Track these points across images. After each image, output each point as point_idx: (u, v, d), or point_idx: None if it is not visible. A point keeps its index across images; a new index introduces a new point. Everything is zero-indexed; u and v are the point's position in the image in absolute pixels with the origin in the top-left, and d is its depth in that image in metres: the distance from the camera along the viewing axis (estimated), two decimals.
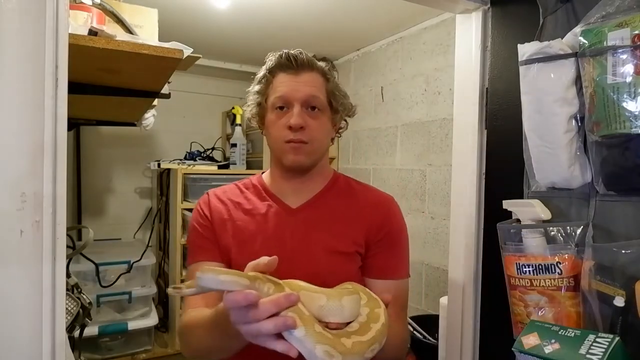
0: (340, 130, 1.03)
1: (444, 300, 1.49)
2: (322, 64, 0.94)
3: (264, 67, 0.95)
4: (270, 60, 0.93)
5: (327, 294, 0.61)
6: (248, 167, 2.81)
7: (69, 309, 1.25)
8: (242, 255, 0.87)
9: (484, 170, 1.23)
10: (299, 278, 0.70)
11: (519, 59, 0.98)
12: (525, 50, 0.97)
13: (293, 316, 0.55)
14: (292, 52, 0.91)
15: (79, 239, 2.55)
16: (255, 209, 0.95)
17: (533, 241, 0.94)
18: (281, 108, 0.89)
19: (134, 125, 1.92)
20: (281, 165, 0.93)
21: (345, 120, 1.02)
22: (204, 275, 0.57)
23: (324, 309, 0.60)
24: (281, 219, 0.92)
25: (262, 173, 1.03)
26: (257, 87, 0.95)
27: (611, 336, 0.73)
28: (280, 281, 0.61)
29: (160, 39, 1.01)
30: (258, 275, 0.59)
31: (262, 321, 0.55)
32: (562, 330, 0.78)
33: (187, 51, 0.95)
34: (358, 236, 0.92)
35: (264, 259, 0.64)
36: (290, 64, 0.90)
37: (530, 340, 0.78)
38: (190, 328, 0.83)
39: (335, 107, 0.95)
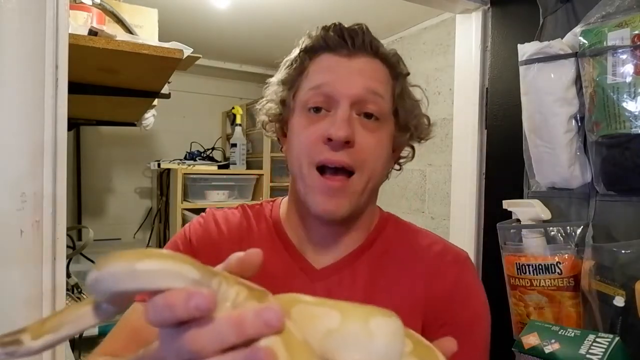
0: (402, 161, 0.68)
1: None
2: (391, 51, 0.63)
3: (296, 48, 0.63)
4: (309, 35, 0.61)
5: (343, 311, 0.31)
6: (248, 167, 2.81)
7: None
8: None
9: (484, 170, 1.23)
10: None
11: (519, 59, 0.98)
12: (525, 50, 0.97)
13: (269, 348, 0.25)
14: (348, 26, 0.60)
15: (79, 239, 2.55)
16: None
17: (533, 241, 0.94)
18: (317, 110, 0.57)
19: (134, 125, 1.92)
20: (304, 207, 0.59)
21: (412, 147, 0.68)
22: (105, 268, 0.28)
23: (334, 337, 0.29)
24: (297, 284, 0.58)
25: (280, 200, 0.69)
26: (281, 75, 0.62)
27: (611, 336, 0.73)
28: (263, 289, 0.31)
29: (160, 39, 1.01)
30: (222, 272, 0.30)
31: (211, 356, 0.25)
32: (562, 330, 0.78)
33: (187, 51, 0.95)
34: (412, 316, 0.56)
35: (237, 255, 0.33)
36: (343, 42, 0.58)
37: (530, 340, 0.78)
38: None
39: (404, 121, 0.62)
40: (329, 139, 0.53)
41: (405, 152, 0.67)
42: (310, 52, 0.60)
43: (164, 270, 0.27)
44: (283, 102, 0.61)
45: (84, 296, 1.32)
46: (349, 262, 0.61)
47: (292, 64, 0.61)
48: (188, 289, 0.25)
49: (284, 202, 0.68)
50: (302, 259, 0.61)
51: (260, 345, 0.25)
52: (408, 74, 0.64)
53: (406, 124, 0.62)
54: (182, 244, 0.63)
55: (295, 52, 0.62)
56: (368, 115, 0.57)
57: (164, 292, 0.26)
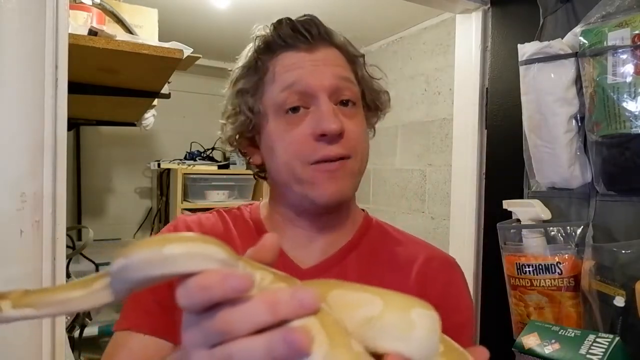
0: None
1: None
2: (342, 37, 0.61)
3: (247, 50, 0.61)
4: (261, 36, 0.59)
5: (385, 298, 0.30)
6: (248, 167, 2.81)
7: None
8: None
9: (484, 170, 1.23)
10: None
11: (519, 59, 0.98)
12: (526, 50, 0.97)
13: (306, 327, 0.24)
14: (298, 18, 0.58)
15: (79, 239, 2.55)
16: None
17: (533, 241, 0.94)
18: (294, 109, 0.55)
19: (134, 125, 1.92)
20: (299, 204, 0.58)
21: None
22: (132, 255, 0.26)
23: (374, 325, 0.28)
24: None
25: (259, 202, 0.67)
26: (241, 84, 0.60)
27: (611, 336, 0.73)
28: (287, 275, 0.29)
29: (160, 39, 1.01)
30: (250, 260, 0.29)
31: (241, 338, 0.24)
32: (562, 330, 0.78)
33: (187, 51, 0.95)
34: None
35: (270, 238, 0.31)
36: (301, 37, 0.56)
37: (530, 340, 0.78)
38: None
39: (371, 101, 0.62)
40: (322, 135, 0.53)
41: (371, 134, 0.67)
42: (268, 53, 0.58)
43: (192, 253, 0.26)
44: (251, 110, 0.58)
45: None
46: (337, 260, 0.59)
47: (249, 69, 0.59)
48: (223, 271, 0.25)
49: (263, 205, 0.66)
50: (287, 259, 0.58)
51: (295, 325, 0.24)
52: (363, 55, 0.63)
53: (373, 102, 0.63)
54: None
55: (249, 55, 0.60)
56: (344, 103, 0.56)
57: (196, 275, 0.25)
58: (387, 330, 0.28)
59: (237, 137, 0.61)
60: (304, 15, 0.59)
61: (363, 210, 0.68)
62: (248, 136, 0.60)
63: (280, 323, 0.24)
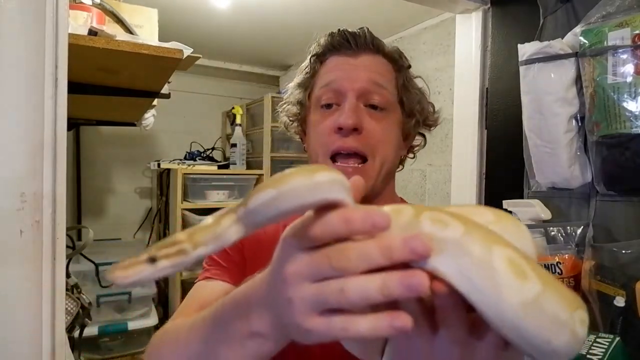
0: (415, 149, 0.73)
1: None
2: (393, 48, 0.69)
3: (309, 54, 0.70)
4: (318, 42, 0.68)
5: (494, 212, 0.34)
6: (248, 167, 2.81)
7: (69, 309, 1.24)
8: None
9: (484, 170, 1.23)
10: None
11: (519, 59, 0.98)
12: (526, 50, 0.97)
13: (423, 276, 0.26)
14: (350, 30, 0.67)
15: (79, 239, 2.54)
16: None
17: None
18: (328, 106, 0.63)
19: (134, 125, 1.92)
20: None
21: (423, 135, 0.73)
22: (285, 184, 0.27)
23: (495, 228, 0.30)
24: None
25: None
26: (298, 79, 0.70)
27: (611, 336, 0.73)
28: None
29: (160, 39, 1.01)
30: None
31: (355, 275, 0.26)
32: None
33: (187, 51, 0.95)
34: None
35: (356, 179, 0.34)
36: (346, 44, 0.64)
37: None
38: (169, 335, 0.50)
39: (409, 108, 0.67)
40: (340, 128, 0.59)
41: (417, 140, 0.72)
42: (319, 56, 0.67)
43: (338, 180, 0.29)
44: (300, 103, 0.68)
45: (83, 296, 1.31)
46: None
47: (305, 69, 0.69)
48: (365, 207, 0.27)
49: None
50: None
51: (416, 271, 0.26)
52: (409, 66, 0.70)
53: (411, 110, 0.67)
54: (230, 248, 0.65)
55: (307, 58, 0.69)
56: (374, 107, 0.62)
57: (341, 208, 0.28)
58: (507, 231, 0.30)
59: (290, 124, 0.71)
60: (358, 28, 0.67)
61: (403, 200, 0.72)
62: (298, 124, 0.71)
63: (393, 265, 0.26)
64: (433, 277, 0.27)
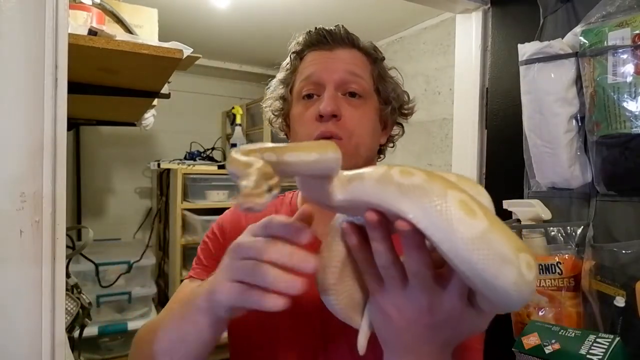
0: (395, 138, 0.77)
1: None
2: (367, 42, 0.73)
3: (289, 52, 0.75)
4: (297, 41, 0.73)
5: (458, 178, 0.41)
6: None
7: (69, 309, 1.24)
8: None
9: (484, 170, 1.23)
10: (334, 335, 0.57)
11: (519, 59, 0.98)
12: (526, 50, 0.97)
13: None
14: (327, 27, 0.71)
15: (79, 239, 2.54)
16: None
17: (533, 241, 0.94)
18: (309, 97, 0.67)
19: (134, 125, 1.92)
20: None
21: (401, 124, 0.77)
22: (327, 151, 0.38)
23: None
24: None
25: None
26: (280, 76, 0.74)
27: (611, 336, 0.73)
28: None
29: (160, 39, 1.01)
30: None
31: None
32: (562, 331, 0.78)
33: (187, 51, 0.95)
34: None
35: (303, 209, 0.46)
36: (323, 40, 0.69)
37: (530, 340, 0.78)
38: (152, 325, 0.58)
39: (385, 96, 0.71)
40: (320, 116, 0.63)
41: (396, 130, 0.77)
42: (299, 53, 0.72)
43: (340, 158, 0.40)
44: (283, 98, 0.73)
45: (83, 296, 1.31)
46: None
47: (286, 67, 0.74)
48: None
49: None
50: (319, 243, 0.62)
51: (296, 280, 0.38)
52: (384, 58, 0.74)
53: (387, 98, 0.71)
54: (216, 229, 0.74)
55: (288, 57, 0.74)
56: (352, 94, 0.66)
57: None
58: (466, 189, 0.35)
59: (275, 119, 0.75)
60: (335, 25, 0.71)
61: None
62: (282, 119, 0.74)
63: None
64: (399, 217, 0.32)
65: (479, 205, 0.32)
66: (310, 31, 0.71)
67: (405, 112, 0.75)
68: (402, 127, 0.77)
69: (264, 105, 0.78)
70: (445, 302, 0.36)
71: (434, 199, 0.31)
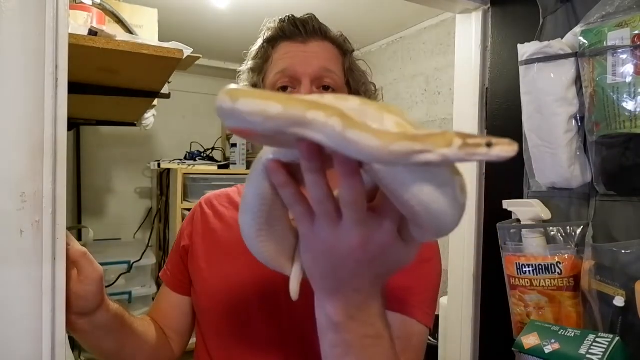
0: None
1: (444, 300, 1.49)
2: (337, 33, 0.75)
3: (260, 39, 0.75)
4: (269, 28, 0.74)
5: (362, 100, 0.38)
6: (248, 167, 2.81)
7: None
8: (214, 275, 0.73)
9: (484, 170, 1.23)
10: (292, 309, 0.62)
11: (519, 59, 0.98)
12: (526, 50, 0.97)
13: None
14: (299, 17, 0.72)
15: (79, 239, 2.55)
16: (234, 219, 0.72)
17: (533, 241, 0.94)
18: (284, 89, 0.69)
19: (134, 125, 1.92)
20: None
21: None
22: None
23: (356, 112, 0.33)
24: None
25: None
26: (251, 64, 0.75)
27: (611, 336, 0.73)
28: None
29: (160, 39, 1.01)
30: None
31: None
32: (562, 330, 0.78)
33: (187, 51, 0.95)
34: None
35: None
36: (297, 31, 0.70)
37: (530, 340, 0.78)
38: None
39: (355, 89, 0.74)
40: None
41: None
42: (271, 42, 0.72)
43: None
44: (255, 86, 0.73)
45: None
46: None
47: (257, 54, 0.74)
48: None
49: None
50: None
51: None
52: (354, 50, 0.76)
53: (357, 90, 0.74)
54: (187, 223, 0.80)
55: (259, 43, 0.74)
56: (326, 88, 0.69)
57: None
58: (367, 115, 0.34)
59: None
60: (306, 14, 0.72)
61: None
62: None
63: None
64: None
65: (414, 127, 0.32)
66: (283, 19, 0.72)
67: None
68: None
69: None
70: (379, 236, 0.35)
71: (370, 122, 0.30)
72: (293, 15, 0.72)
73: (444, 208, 0.31)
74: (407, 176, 0.31)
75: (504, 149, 0.31)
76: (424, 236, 0.36)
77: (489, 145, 0.30)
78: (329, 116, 0.29)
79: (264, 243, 0.40)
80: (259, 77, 0.73)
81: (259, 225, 0.40)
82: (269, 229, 0.40)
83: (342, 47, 0.74)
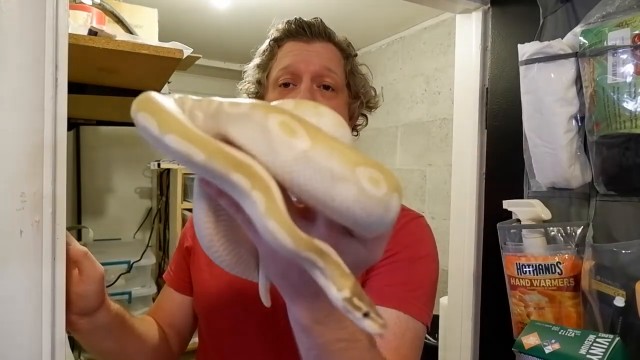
0: (358, 127, 0.82)
1: (444, 300, 1.49)
2: (341, 37, 0.78)
3: (267, 38, 0.79)
4: (277, 28, 0.77)
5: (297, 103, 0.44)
6: None
7: None
8: (214, 276, 0.73)
9: (484, 170, 1.23)
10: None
11: (519, 59, 0.98)
12: (526, 50, 0.96)
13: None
14: (306, 19, 0.76)
15: (79, 239, 2.54)
16: None
17: (533, 241, 0.94)
18: (286, 85, 0.71)
19: (134, 125, 1.92)
20: None
21: (365, 115, 0.83)
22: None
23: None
24: None
25: None
26: (257, 61, 0.78)
27: (611, 336, 0.73)
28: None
29: (160, 39, 1.01)
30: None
31: None
32: (562, 331, 0.78)
33: (187, 51, 0.95)
34: None
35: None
36: (302, 31, 0.73)
37: (530, 340, 0.78)
38: None
39: (355, 91, 0.76)
40: None
41: (361, 120, 0.82)
42: (278, 41, 0.75)
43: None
44: (259, 82, 0.76)
45: None
46: None
47: (264, 52, 0.77)
48: None
49: None
50: None
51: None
52: (356, 54, 0.79)
53: (357, 93, 0.77)
54: (189, 225, 0.83)
55: (266, 42, 0.78)
56: (326, 87, 0.71)
57: None
58: (305, 112, 0.37)
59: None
60: (313, 18, 0.76)
61: None
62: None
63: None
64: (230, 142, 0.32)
65: (305, 125, 0.30)
66: (290, 21, 0.75)
67: (371, 105, 0.81)
68: (367, 117, 0.83)
69: (239, 87, 0.81)
70: (313, 235, 0.34)
71: (256, 124, 0.30)
72: (300, 18, 0.75)
73: (350, 204, 0.29)
74: (298, 178, 0.30)
75: (372, 326, 0.30)
76: (364, 234, 0.34)
77: (366, 314, 0.30)
78: (253, 189, 0.29)
79: (219, 252, 0.40)
80: (263, 74, 0.75)
81: (209, 236, 0.40)
82: (222, 238, 0.40)
83: (345, 51, 0.76)
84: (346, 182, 0.28)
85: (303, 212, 0.35)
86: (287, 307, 0.40)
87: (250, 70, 0.79)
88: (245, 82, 0.80)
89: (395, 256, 0.65)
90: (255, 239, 0.35)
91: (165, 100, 0.33)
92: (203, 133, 0.31)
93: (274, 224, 0.28)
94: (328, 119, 0.38)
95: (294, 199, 0.35)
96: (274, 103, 0.38)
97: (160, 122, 0.30)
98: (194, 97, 0.35)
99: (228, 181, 0.30)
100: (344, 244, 0.34)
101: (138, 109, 0.31)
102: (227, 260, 0.41)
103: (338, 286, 0.29)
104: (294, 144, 0.29)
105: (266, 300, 0.41)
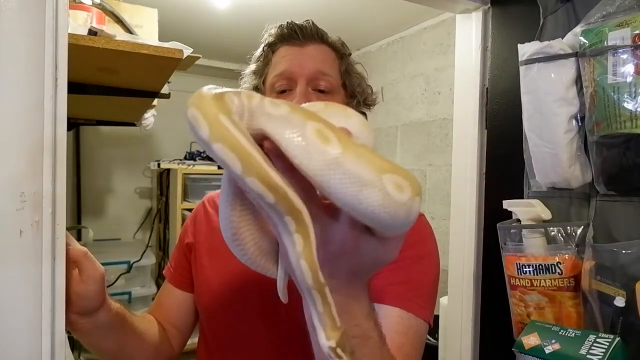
0: None
1: (444, 300, 1.49)
2: (335, 37, 0.78)
3: (261, 44, 0.79)
4: (270, 33, 0.78)
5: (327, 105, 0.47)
6: None
7: None
8: (216, 273, 0.74)
9: (484, 170, 1.23)
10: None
11: (519, 59, 0.98)
12: (526, 50, 0.96)
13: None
14: (298, 22, 0.76)
15: (79, 239, 2.54)
16: None
17: (533, 241, 0.94)
18: (282, 92, 0.72)
19: (134, 125, 1.92)
20: None
21: (364, 113, 0.82)
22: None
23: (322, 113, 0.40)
24: None
25: None
26: (253, 67, 0.79)
27: (612, 336, 0.73)
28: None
29: (160, 39, 1.01)
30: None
31: None
32: (562, 331, 0.78)
33: (187, 51, 0.95)
34: None
35: None
36: (295, 35, 0.74)
37: (530, 340, 0.78)
38: None
39: (351, 91, 0.77)
40: None
41: None
42: (271, 46, 0.76)
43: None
44: (256, 88, 0.76)
45: None
46: None
47: (259, 58, 0.78)
48: None
49: None
50: None
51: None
52: (350, 54, 0.79)
53: (353, 92, 0.77)
54: (190, 222, 0.83)
55: (260, 48, 0.79)
56: (321, 91, 0.71)
57: None
58: (334, 115, 0.40)
59: None
60: (304, 20, 0.76)
61: None
62: None
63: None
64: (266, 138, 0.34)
65: (337, 133, 0.33)
66: (282, 25, 0.76)
67: (369, 103, 0.82)
68: (365, 115, 0.82)
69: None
70: (337, 232, 0.36)
71: (295, 128, 0.33)
72: (292, 21, 0.76)
73: (374, 209, 0.31)
74: (329, 182, 0.32)
75: None
76: (384, 234, 0.37)
77: None
78: (296, 232, 0.33)
79: (242, 245, 0.42)
80: (260, 80, 0.76)
81: (234, 229, 0.41)
82: (246, 232, 0.41)
83: (339, 51, 0.77)
84: (373, 187, 0.31)
85: (328, 208, 0.37)
86: (303, 305, 0.40)
87: (247, 77, 0.80)
88: (241, 88, 0.79)
89: (398, 255, 0.64)
90: (277, 234, 0.37)
91: (232, 125, 0.32)
92: (268, 166, 0.32)
93: (305, 264, 0.33)
94: (355, 120, 0.42)
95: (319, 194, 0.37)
96: (304, 105, 0.41)
97: (211, 128, 0.31)
98: (231, 90, 0.36)
99: (281, 220, 0.33)
100: (364, 241, 0.37)
101: (193, 114, 0.31)
102: (250, 254, 0.42)
103: (327, 335, 0.34)
104: (327, 150, 0.32)
105: (284, 296, 0.42)
